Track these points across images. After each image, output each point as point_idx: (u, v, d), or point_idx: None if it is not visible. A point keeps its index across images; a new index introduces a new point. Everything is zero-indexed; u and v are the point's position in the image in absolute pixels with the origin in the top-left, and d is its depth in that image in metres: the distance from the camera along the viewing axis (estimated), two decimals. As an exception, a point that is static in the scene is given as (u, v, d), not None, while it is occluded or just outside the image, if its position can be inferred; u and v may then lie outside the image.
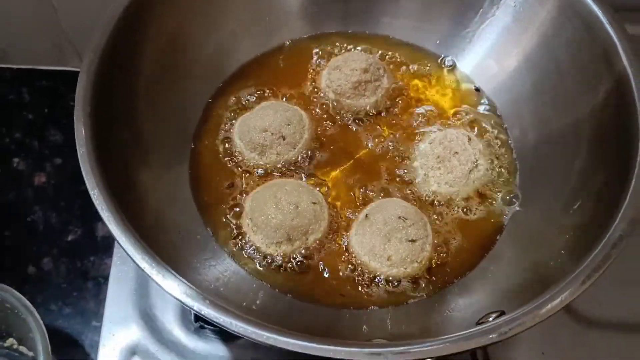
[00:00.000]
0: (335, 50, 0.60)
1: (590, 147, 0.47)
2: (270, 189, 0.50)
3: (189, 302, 0.36)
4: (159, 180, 0.49)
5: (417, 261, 0.48)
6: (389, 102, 0.57)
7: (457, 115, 0.57)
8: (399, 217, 0.49)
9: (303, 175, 0.53)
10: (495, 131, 0.55)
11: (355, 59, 0.56)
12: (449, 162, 0.52)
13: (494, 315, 0.39)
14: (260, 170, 0.53)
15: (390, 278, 0.48)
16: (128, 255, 0.37)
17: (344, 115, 0.57)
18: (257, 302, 0.47)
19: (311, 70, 0.59)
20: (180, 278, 0.37)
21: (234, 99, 0.57)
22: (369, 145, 0.55)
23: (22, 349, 0.50)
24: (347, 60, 0.57)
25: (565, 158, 0.49)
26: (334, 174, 0.54)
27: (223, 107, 0.56)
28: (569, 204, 0.46)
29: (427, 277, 0.48)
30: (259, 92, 0.57)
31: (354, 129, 0.56)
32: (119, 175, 0.42)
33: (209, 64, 0.56)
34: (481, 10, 0.56)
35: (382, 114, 0.57)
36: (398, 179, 0.53)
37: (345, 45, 0.61)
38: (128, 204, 0.40)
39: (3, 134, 0.68)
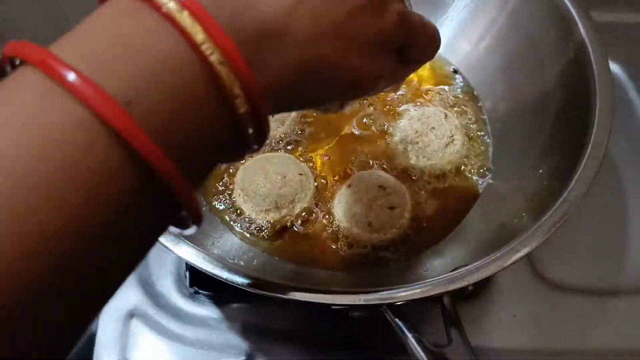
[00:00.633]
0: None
1: (556, 117, 0.51)
2: (259, 162, 0.54)
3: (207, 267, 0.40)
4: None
5: (396, 227, 0.52)
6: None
7: (435, 94, 0.60)
8: (379, 187, 0.53)
9: (290, 150, 0.57)
10: (470, 108, 0.59)
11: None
12: (426, 137, 0.56)
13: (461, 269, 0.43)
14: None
15: (371, 242, 0.52)
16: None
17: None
18: (249, 263, 0.50)
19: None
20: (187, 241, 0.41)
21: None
22: (353, 123, 0.59)
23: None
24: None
25: (533, 128, 0.53)
26: (319, 149, 0.58)
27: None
28: (535, 170, 0.50)
29: (405, 241, 0.52)
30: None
31: (339, 107, 0.60)
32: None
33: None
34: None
35: (366, 94, 0.61)
36: (379, 153, 0.57)
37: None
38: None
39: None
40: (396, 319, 0.40)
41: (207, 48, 0.19)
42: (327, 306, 0.41)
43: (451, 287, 0.38)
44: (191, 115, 0.20)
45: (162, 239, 0.41)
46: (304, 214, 0.53)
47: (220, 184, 0.55)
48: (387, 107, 0.60)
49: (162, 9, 0.19)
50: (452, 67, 0.61)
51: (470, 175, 0.56)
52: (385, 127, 0.58)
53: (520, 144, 0.54)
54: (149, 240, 0.22)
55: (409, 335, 0.40)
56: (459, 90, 0.60)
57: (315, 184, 0.55)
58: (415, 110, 0.59)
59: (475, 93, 0.60)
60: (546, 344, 0.54)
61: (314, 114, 0.59)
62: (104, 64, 0.19)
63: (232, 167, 0.55)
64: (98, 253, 0.19)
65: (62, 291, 0.18)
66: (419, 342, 0.39)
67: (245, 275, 0.40)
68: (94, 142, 0.18)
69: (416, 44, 0.29)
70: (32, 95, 0.18)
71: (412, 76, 0.62)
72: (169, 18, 0.19)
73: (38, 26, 0.71)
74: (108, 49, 0.19)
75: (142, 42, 0.19)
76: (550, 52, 0.53)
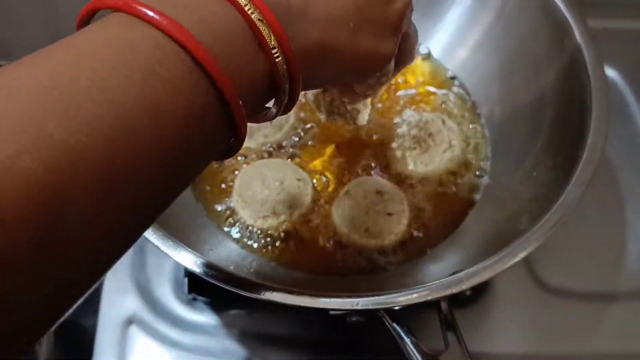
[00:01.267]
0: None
1: (552, 122, 0.51)
2: (257, 168, 0.54)
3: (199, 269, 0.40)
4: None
5: (393, 233, 0.52)
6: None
7: (433, 100, 0.61)
8: (377, 192, 0.53)
9: (288, 156, 0.57)
10: (467, 114, 0.59)
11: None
12: (424, 143, 0.56)
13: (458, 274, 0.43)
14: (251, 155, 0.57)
15: (368, 248, 0.52)
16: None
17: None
18: (247, 269, 0.51)
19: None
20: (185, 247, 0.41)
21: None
22: (351, 129, 0.59)
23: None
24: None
25: (530, 132, 0.54)
26: (318, 155, 0.58)
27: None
28: (532, 174, 0.50)
29: (403, 247, 0.52)
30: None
31: (337, 113, 0.60)
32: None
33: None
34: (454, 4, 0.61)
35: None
36: (378, 159, 0.57)
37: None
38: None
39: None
40: (394, 324, 0.40)
41: (249, 9, 0.24)
42: (325, 311, 0.41)
43: (448, 292, 0.38)
44: (240, 60, 0.24)
45: (161, 245, 0.41)
46: (302, 220, 0.53)
47: (218, 190, 0.55)
48: (385, 113, 0.60)
49: None
50: (450, 73, 0.62)
51: (467, 181, 0.56)
52: (384, 133, 0.59)
53: (517, 148, 0.55)
54: (202, 160, 0.26)
55: (407, 340, 0.40)
56: (456, 96, 0.61)
57: (313, 189, 0.55)
58: (413, 116, 0.59)
59: (472, 99, 0.60)
60: (544, 348, 0.54)
61: (312, 120, 0.59)
62: (174, 9, 0.23)
63: (230, 174, 0.56)
64: (169, 153, 0.22)
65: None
66: (417, 346, 0.39)
67: (243, 281, 0.40)
68: (167, 55, 0.22)
69: (403, 45, 0.34)
70: (119, 26, 0.22)
71: (412, 81, 0.62)
72: None
73: (38, 26, 0.72)
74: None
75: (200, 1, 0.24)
76: (546, 57, 0.53)
